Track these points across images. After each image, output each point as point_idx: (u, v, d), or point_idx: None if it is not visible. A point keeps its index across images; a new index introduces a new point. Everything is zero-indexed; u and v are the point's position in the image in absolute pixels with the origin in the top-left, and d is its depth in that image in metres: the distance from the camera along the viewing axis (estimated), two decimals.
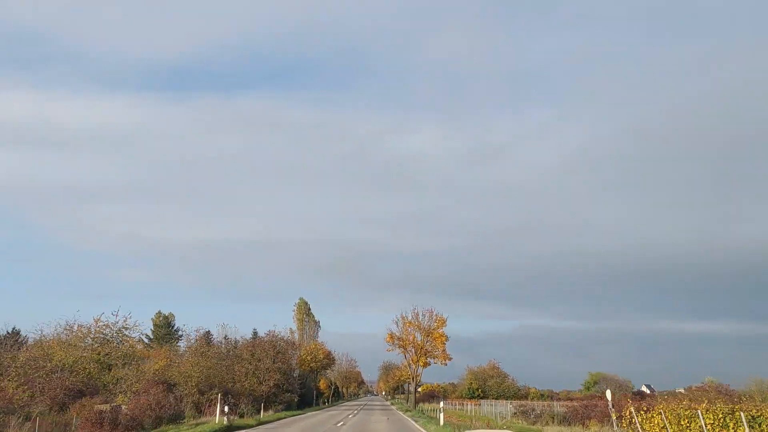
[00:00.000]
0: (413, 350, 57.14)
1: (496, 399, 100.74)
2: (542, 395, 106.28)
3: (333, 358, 78.34)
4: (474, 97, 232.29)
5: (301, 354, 66.18)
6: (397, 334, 57.55)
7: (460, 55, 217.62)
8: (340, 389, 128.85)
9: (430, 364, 57.34)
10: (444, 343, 55.87)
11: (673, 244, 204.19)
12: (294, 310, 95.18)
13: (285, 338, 60.88)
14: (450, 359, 56.43)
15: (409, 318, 57.44)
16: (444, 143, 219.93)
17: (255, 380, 57.10)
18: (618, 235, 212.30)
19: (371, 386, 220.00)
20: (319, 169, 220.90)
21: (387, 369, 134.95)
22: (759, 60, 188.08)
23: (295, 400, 73.84)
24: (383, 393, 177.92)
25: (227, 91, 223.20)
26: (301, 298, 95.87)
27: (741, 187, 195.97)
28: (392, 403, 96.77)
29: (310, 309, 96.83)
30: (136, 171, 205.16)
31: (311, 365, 67.62)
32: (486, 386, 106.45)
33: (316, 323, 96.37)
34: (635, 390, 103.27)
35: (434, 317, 56.64)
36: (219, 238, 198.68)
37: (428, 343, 56.46)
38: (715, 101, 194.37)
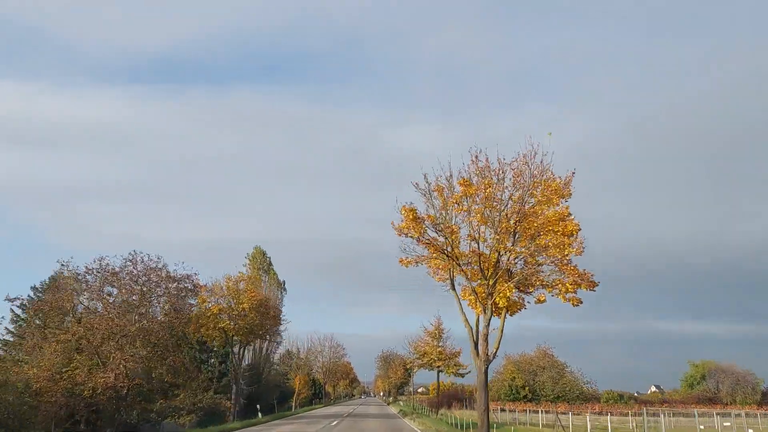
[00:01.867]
0: (476, 257, 18.84)
1: (553, 402, 68.21)
2: (621, 397, 72.41)
3: (276, 315, 40.83)
4: (473, 95, 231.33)
5: (199, 302, 31.16)
6: (428, 214, 19.59)
7: (459, 53, 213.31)
8: (324, 388, 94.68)
9: (540, 300, 19.26)
10: (571, 241, 18.13)
11: (673, 244, 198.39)
12: (246, 264, 60.88)
13: (174, 273, 26.53)
14: (593, 287, 18.46)
15: (463, 168, 19.70)
16: (443, 142, 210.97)
17: (93, 363, 25.63)
18: (617, 234, 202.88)
19: (368, 387, 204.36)
20: (319, 169, 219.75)
21: (386, 360, 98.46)
22: (759, 60, 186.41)
23: (231, 406, 42.16)
24: (381, 393, 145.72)
25: (224, 85, 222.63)
26: (256, 247, 61.80)
27: (740, 186, 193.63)
28: (400, 411, 61.20)
29: (270, 264, 62.64)
30: (136, 171, 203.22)
31: (221, 326, 32.20)
32: (536, 383, 73.33)
33: (280, 284, 62.13)
34: (765, 387, 69.63)
35: (534, 168, 19.00)
36: (219, 238, 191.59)
37: (521, 242, 18.73)
38: (715, 101, 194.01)
